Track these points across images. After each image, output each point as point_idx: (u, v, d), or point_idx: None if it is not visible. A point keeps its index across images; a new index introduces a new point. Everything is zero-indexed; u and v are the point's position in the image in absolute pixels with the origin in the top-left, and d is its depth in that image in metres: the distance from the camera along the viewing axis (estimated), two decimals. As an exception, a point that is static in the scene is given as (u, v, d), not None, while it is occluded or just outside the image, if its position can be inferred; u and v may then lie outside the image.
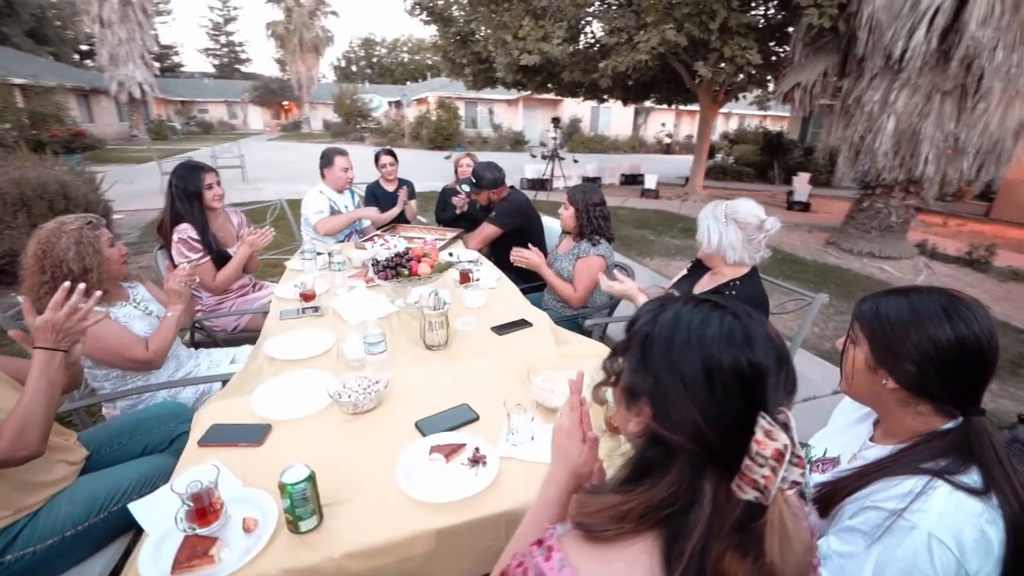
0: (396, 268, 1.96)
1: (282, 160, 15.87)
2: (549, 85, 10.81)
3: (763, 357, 0.57)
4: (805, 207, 9.87)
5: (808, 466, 1.19)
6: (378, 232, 3.26)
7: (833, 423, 1.25)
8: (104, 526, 1.30)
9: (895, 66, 4.84)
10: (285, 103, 36.61)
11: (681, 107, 15.25)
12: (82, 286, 1.21)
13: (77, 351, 1.29)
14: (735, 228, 1.76)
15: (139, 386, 1.79)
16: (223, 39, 46.71)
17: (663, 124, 26.93)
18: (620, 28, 6.34)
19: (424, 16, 9.91)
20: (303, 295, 2.10)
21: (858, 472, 0.94)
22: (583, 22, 8.01)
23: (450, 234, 3.42)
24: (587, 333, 2.26)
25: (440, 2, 9.42)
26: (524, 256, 2.49)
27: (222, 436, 1.25)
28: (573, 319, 2.59)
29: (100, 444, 1.47)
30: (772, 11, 6.99)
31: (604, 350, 1.81)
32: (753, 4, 6.73)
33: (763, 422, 0.53)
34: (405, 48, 52.60)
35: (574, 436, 0.85)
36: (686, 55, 7.47)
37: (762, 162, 15.16)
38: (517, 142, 23.50)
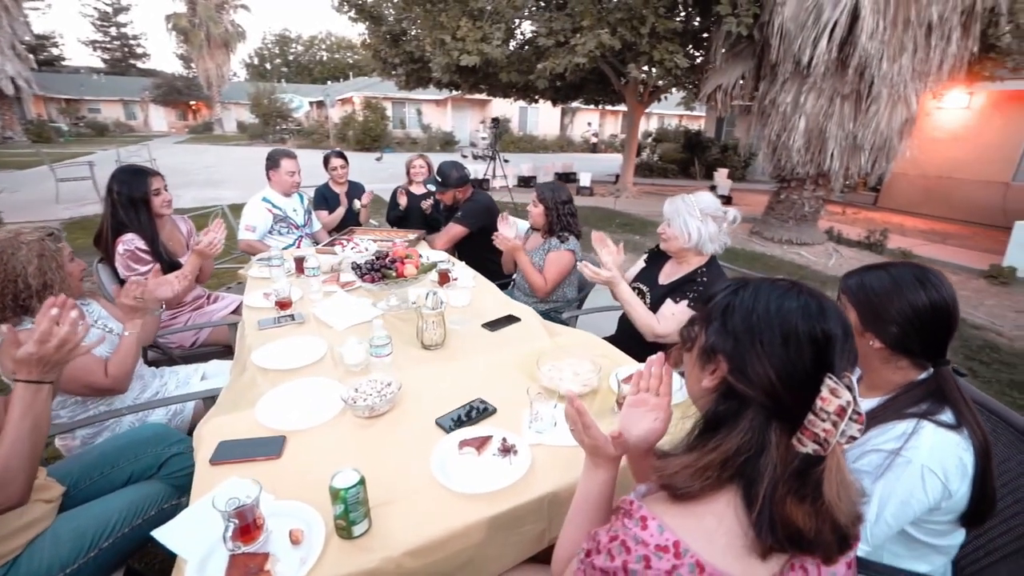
0: (381, 270, 1.93)
1: (198, 164, 14.67)
2: (482, 86, 10.88)
3: (834, 327, 0.65)
4: (727, 200, 10.66)
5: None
6: (342, 236, 3.14)
7: None
8: (95, 565, 1.19)
9: (804, 71, 5.41)
10: (193, 103, 33.74)
11: (608, 107, 15.93)
12: (74, 314, 1.08)
13: (58, 373, 1.17)
14: (712, 222, 1.91)
15: (103, 412, 1.62)
16: (113, 31, 42.11)
17: (589, 124, 27.92)
18: (557, 31, 6.53)
19: (352, 13, 9.59)
20: (279, 303, 1.99)
21: None
22: (516, 23, 8.14)
23: (412, 235, 3.38)
24: (562, 324, 2.34)
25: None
26: (505, 238, 2.51)
27: (235, 452, 1.18)
28: (545, 313, 2.66)
29: (77, 477, 1.33)
30: (695, 18, 7.52)
31: (593, 339, 1.90)
32: (679, 11, 7.21)
33: (829, 382, 0.61)
34: (323, 46, 50.41)
35: (598, 441, 0.89)
36: (616, 59, 7.85)
37: (684, 159, 16.19)
38: (447, 142, 23.37)
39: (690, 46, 8.04)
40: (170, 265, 2.28)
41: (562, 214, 2.57)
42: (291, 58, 49.64)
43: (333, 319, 1.94)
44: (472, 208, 3.06)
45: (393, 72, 10.31)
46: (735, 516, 0.65)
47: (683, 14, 7.24)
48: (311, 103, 29.68)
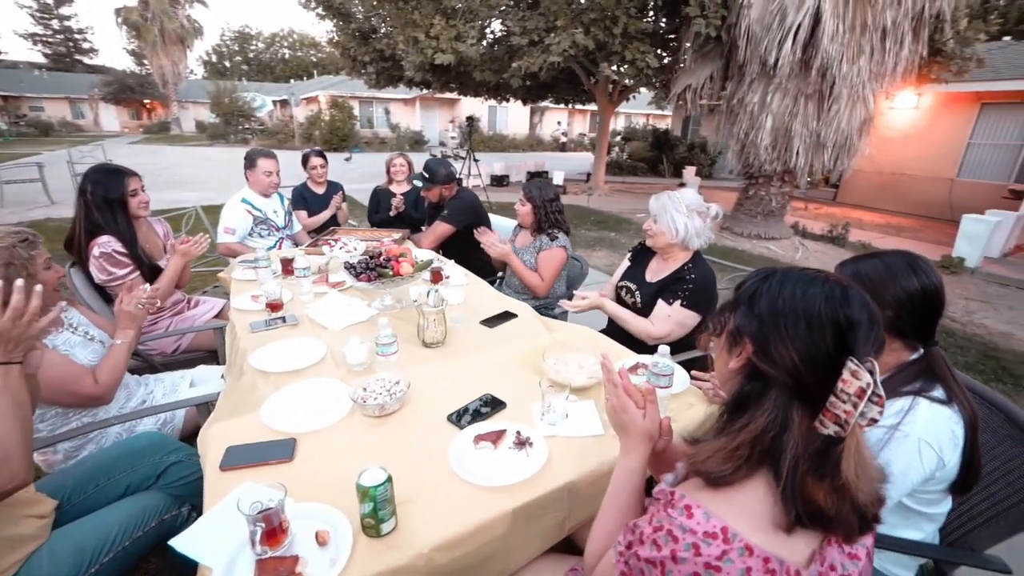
0: (377, 269, 1.90)
1: (158, 165, 14.05)
2: (453, 85, 10.82)
3: (857, 313, 0.68)
4: (696, 197, 10.98)
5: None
6: (325, 236, 3.08)
7: None
8: (97, 581, 1.14)
9: (770, 72, 5.63)
10: (147, 101, 32.22)
11: (577, 107, 16.09)
12: (20, 282, 1.03)
13: (36, 360, 1.12)
14: (697, 217, 1.97)
15: (88, 424, 1.55)
16: (56, 24, 39.77)
17: (559, 123, 28.14)
18: (530, 30, 6.57)
19: (319, 10, 9.38)
20: (270, 305, 1.95)
21: None
22: (488, 22, 8.14)
23: (396, 235, 3.34)
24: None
25: (338, -4, 8.98)
26: (492, 243, 2.51)
27: (245, 457, 1.15)
28: (537, 309, 2.68)
29: (70, 491, 1.27)
30: (665, 19, 7.69)
31: (591, 333, 1.93)
32: (649, 13, 7.36)
33: (851, 364, 0.64)
34: (285, 43, 49.00)
35: (628, 408, 0.92)
36: (587, 58, 7.94)
37: (653, 157, 16.52)
38: (416, 142, 23.14)
39: (664, 47, 8.22)
40: (150, 268, 2.20)
41: (550, 211, 2.59)
42: (252, 56, 48.05)
43: (328, 320, 1.91)
44: (458, 206, 3.05)
45: (363, 71, 10.12)
46: (771, 497, 0.68)
47: (652, 15, 7.39)
48: (274, 102, 28.83)
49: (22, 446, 0.99)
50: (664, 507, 0.72)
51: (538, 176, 13.27)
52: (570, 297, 2.87)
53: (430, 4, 6.73)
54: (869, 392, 0.63)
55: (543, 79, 8.72)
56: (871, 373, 0.64)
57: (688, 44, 6.52)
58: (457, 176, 3.17)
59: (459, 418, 1.32)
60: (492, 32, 8.84)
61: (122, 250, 2.08)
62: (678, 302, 1.93)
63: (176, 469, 1.37)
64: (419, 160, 3.71)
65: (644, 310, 2.04)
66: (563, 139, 26.66)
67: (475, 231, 2.59)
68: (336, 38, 9.83)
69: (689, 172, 12.06)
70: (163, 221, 2.49)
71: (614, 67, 7.26)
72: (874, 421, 0.65)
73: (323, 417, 1.30)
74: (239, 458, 1.15)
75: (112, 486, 1.30)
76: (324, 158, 3.70)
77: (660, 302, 1.97)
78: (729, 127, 6.52)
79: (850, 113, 5.65)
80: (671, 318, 1.94)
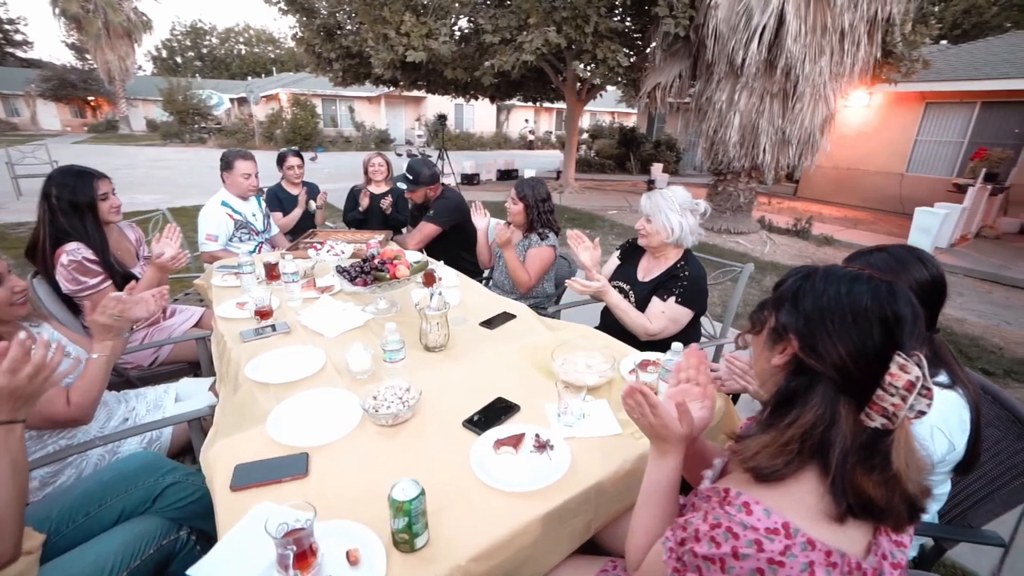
0: (372, 273, 1.85)
1: (109, 166, 13.18)
2: (421, 83, 10.67)
3: (903, 308, 0.69)
4: (665, 194, 11.21)
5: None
6: (305, 239, 2.97)
7: None
8: (96, 617, 1.06)
9: (737, 71, 5.80)
10: (91, 98, 30.38)
11: (545, 105, 16.16)
12: (47, 335, 0.95)
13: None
14: (691, 215, 1.99)
15: (66, 447, 1.44)
16: (-17, 15, 36.92)
17: (527, 120, 28.20)
18: (502, 27, 6.54)
19: (282, 5, 9.06)
20: (259, 313, 1.86)
21: None
22: (454, 19, 8.05)
23: (379, 236, 3.26)
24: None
25: (301, -10, 8.69)
26: (503, 229, 2.49)
27: (257, 475, 1.09)
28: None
29: (57, 522, 1.17)
30: (632, 18, 7.80)
31: (592, 331, 1.93)
32: (618, 12, 7.45)
33: (899, 358, 0.65)
34: (241, 39, 47.18)
35: (669, 424, 0.88)
36: (555, 56, 7.97)
37: (620, 155, 16.77)
38: (382, 140, 22.72)
39: (633, 46, 8.33)
40: (123, 277, 2.06)
41: (542, 211, 2.58)
42: (205, 51, 46.01)
43: (322, 326, 1.84)
44: (444, 206, 3.00)
45: (329, 68, 9.84)
46: (821, 489, 0.69)
47: (620, 13, 7.47)
48: (232, 100, 27.73)
49: (16, 519, 0.91)
50: (720, 504, 0.72)
51: (507, 175, 13.27)
52: (559, 299, 2.89)
53: (399, 0, 6.60)
54: (919, 385, 0.65)
55: (514, 77, 8.70)
56: (919, 366, 0.65)
57: (656, 43, 6.62)
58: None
59: (476, 423, 1.29)
60: (460, 29, 8.76)
61: (92, 257, 1.95)
62: (673, 299, 1.96)
63: (174, 491, 1.28)
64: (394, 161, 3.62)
65: (639, 309, 2.05)
66: (531, 137, 26.72)
67: (447, 246, 2.56)
68: (300, 34, 9.51)
69: (657, 169, 12.30)
70: (134, 226, 2.34)
71: (585, 65, 7.32)
72: (922, 413, 0.67)
73: (334, 429, 1.25)
74: (250, 477, 1.09)
75: (105, 512, 1.21)
76: (301, 158, 3.58)
77: (655, 299, 1.99)
78: (699, 125, 6.69)
79: (813, 111, 5.89)
80: (665, 315, 1.96)
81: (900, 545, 0.72)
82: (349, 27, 9.05)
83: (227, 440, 1.22)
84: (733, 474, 0.85)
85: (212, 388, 1.86)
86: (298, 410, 1.32)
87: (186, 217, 6.50)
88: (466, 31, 8.73)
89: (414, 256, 2.79)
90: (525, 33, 6.32)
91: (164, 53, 45.15)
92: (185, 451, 1.72)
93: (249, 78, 38.11)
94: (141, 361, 2.13)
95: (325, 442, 1.20)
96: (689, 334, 2.09)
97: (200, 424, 1.55)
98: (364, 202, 3.62)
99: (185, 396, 1.83)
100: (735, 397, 1.77)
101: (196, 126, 22.29)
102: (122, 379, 2.04)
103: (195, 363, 2.23)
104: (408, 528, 0.89)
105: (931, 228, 6.28)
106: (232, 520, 0.99)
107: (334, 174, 12.68)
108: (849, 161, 10.56)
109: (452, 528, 0.98)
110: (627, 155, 16.41)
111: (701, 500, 0.83)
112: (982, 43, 10.98)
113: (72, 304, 2.01)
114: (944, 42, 14.37)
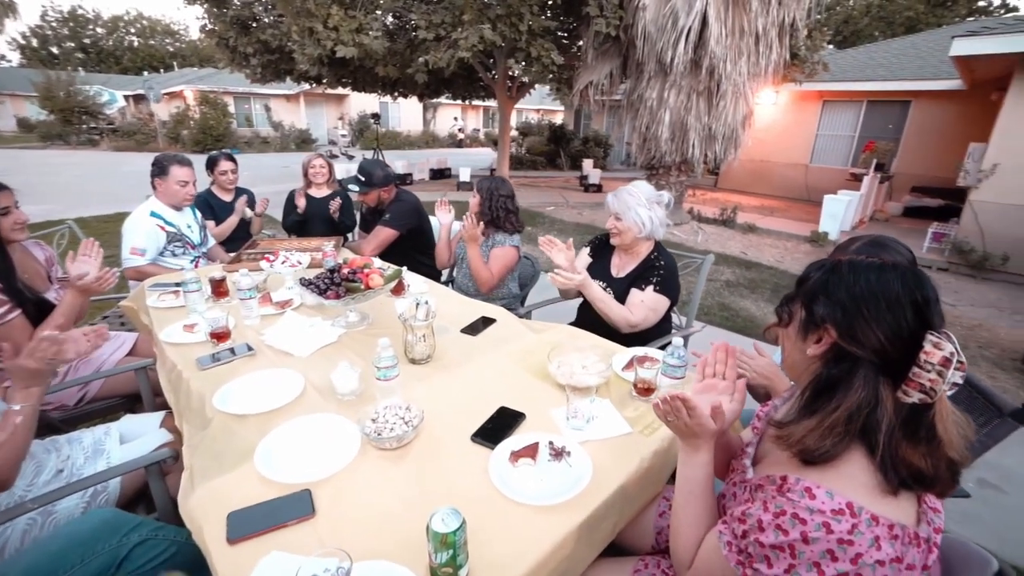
0: (345, 284, 1.72)
1: (-28, 174, 11.42)
2: (347, 80, 10.20)
3: (929, 291, 0.74)
4: (599, 188, 11.57)
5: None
6: (253, 252, 2.71)
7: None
8: None
9: (666, 70, 6.08)
10: (-56, 95, 26.12)
11: (475, 102, 16.06)
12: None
13: None
14: (659, 208, 2.04)
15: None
16: None
17: (456, 118, 27.91)
18: (436, 23, 6.39)
19: (186, -8, 8.27)
20: (215, 335, 1.67)
21: None
22: (379, 13, 7.78)
23: (329, 243, 3.06)
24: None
25: (208, -22, 7.97)
26: (471, 224, 2.40)
27: (257, 522, 0.97)
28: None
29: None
30: (563, 17, 7.93)
31: (576, 331, 1.92)
32: (550, 11, 7.53)
33: (932, 337, 0.70)
34: (133, 29, 42.60)
35: (704, 423, 0.89)
36: (485, 55, 7.92)
37: (550, 151, 17.06)
38: (304, 140, 21.52)
39: (565, 44, 8.47)
40: (35, 304, 1.77)
41: (499, 206, 2.53)
42: (88, 42, 41.02)
43: (290, 345, 1.68)
44: (401, 209, 2.87)
45: (245, 63, 9.12)
46: (871, 466, 0.72)
47: (552, 12, 7.57)
48: (127, 97, 25.00)
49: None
50: (779, 492, 0.74)
51: (440, 174, 13.05)
52: (523, 300, 2.86)
53: (325, -9, 6.25)
54: (955, 360, 0.69)
55: (447, 75, 8.55)
56: (951, 342, 0.70)
57: (588, 42, 6.79)
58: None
59: (485, 436, 1.23)
60: (387, 24, 8.46)
61: (-4, 284, 1.65)
62: (650, 287, 2.00)
63: (142, 551, 1.11)
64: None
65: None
66: (461, 135, 26.47)
67: (403, 250, 2.45)
68: (210, 26, 8.73)
69: (588, 164, 12.63)
70: (43, 244, 2.02)
71: (518, 63, 7.34)
72: (956, 385, 0.71)
73: (333, 459, 1.14)
74: (249, 525, 0.96)
75: (61, 587, 1.02)
76: (235, 162, 3.27)
77: (633, 290, 2.02)
78: (631, 121, 6.95)
79: (734, 108, 6.32)
80: (644, 303, 1.99)
81: (937, 511, 0.77)
82: (266, 20, 8.45)
83: (209, 485, 1.07)
84: (771, 458, 0.87)
85: (164, 424, 1.64)
86: (288, 442, 1.20)
87: (93, 230, 5.80)
88: (391, 27, 8.44)
89: (378, 263, 2.66)
90: (460, 30, 6.22)
91: (35, 42, 39.70)
92: (135, 500, 1.50)
93: (146, 73, 34.54)
94: (66, 400, 1.84)
95: (326, 475, 1.09)
96: (662, 325, 2.15)
97: (159, 468, 1.36)
98: (300, 202, 3.38)
99: (132, 436, 1.60)
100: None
101: (85, 126, 19.85)
102: (42, 423, 1.75)
103: (132, 396, 1.96)
104: (452, 560, 0.83)
105: (838, 214, 6.97)
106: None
107: (254, 176, 11.79)
108: (762, 154, 11.46)
109: (491, 551, 0.92)
110: (557, 152, 16.73)
111: (750, 490, 0.84)
112: (863, 49, 12.39)
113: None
114: (830, 47, 16.02)
